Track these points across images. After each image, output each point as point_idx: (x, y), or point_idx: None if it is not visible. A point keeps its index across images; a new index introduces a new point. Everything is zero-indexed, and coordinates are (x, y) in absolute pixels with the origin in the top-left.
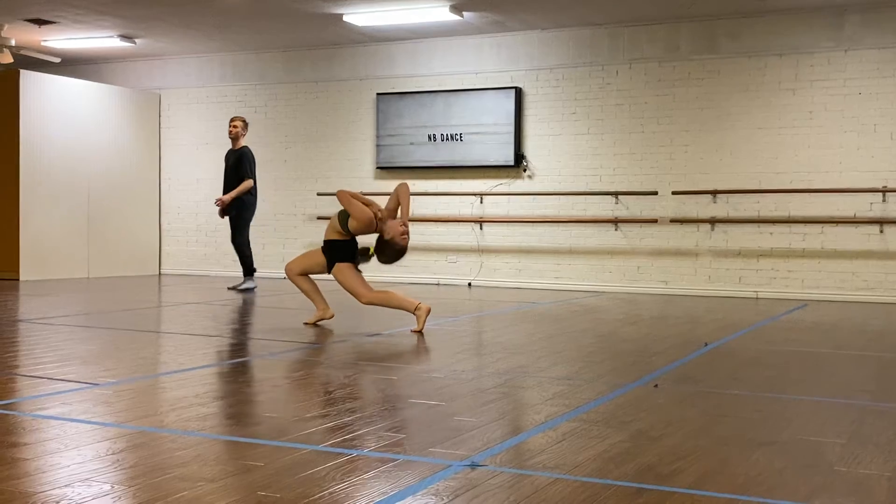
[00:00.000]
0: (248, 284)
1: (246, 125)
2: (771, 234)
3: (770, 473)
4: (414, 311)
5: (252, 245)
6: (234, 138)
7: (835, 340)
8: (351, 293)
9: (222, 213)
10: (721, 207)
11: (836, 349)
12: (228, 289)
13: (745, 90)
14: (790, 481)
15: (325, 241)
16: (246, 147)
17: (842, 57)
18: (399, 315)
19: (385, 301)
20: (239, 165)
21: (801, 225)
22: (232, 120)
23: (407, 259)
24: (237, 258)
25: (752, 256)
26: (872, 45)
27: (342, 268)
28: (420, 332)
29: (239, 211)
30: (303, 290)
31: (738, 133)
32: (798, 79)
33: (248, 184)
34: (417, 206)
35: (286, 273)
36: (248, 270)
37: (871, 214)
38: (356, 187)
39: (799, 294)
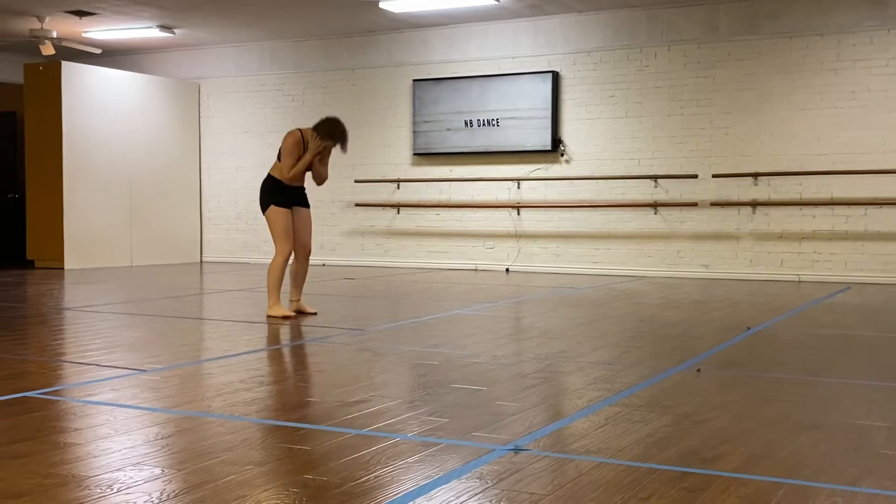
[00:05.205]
0: None
1: None
2: (813, 216)
3: (815, 457)
4: (291, 302)
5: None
6: None
7: (879, 323)
8: (276, 240)
9: None
10: (762, 190)
11: (880, 332)
12: None
13: (786, 71)
14: (835, 465)
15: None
16: None
17: (885, 36)
18: (437, 301)
19: (269, 275)
20: None
21: (844, 207)
22: None
23: (445, 245)
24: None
25: (794, 239)
26: None
27: (277, 211)
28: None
29: None
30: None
31: (779, 115)
32: (840, 59)
33: None
34: (455, 192)
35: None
36: None
37: None
38: (393, 174)
39: (842, 277)
